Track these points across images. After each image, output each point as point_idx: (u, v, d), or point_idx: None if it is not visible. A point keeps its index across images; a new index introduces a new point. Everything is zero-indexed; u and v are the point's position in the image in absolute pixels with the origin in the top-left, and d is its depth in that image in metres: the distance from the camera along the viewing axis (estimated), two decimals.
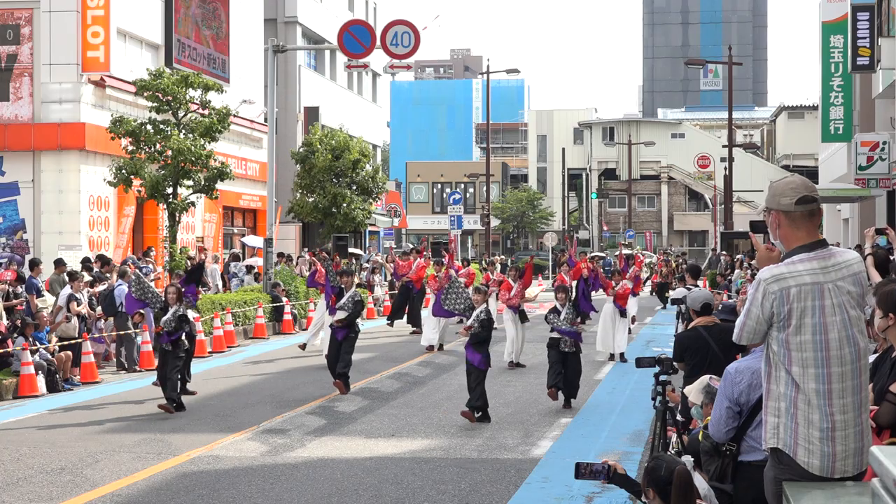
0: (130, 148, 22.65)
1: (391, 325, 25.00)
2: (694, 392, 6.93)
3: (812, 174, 42.01)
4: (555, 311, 14.29)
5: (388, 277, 30.42)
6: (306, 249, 34.14)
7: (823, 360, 4.40)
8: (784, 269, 4.46)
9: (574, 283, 24.55)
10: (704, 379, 6.86)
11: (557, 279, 25.19)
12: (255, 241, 32.61)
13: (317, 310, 21.06)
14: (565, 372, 13.90)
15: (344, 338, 15.26)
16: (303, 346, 20.37)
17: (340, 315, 15.41)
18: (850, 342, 4.45)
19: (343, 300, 15.48)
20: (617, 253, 43.71)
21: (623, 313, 19.18)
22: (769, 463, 4.56)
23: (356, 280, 17.18)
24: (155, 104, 23.04)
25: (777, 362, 4.48)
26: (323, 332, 19.36)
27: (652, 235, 72.43)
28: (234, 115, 26.56)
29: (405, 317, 24.85)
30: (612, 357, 18.95)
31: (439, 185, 79.32)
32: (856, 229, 31.54)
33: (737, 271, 28.87)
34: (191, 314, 15.76)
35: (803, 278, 4.43)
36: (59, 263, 19.86)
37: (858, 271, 4.55)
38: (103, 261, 21.23)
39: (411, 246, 41.77)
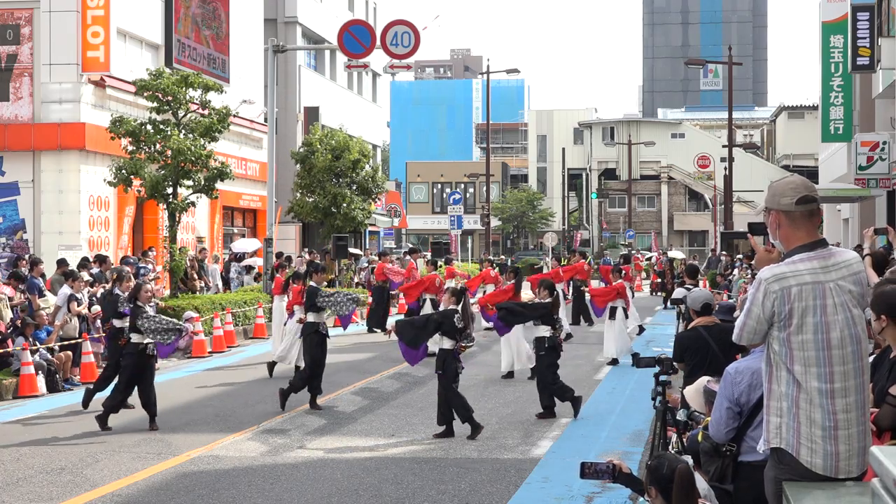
0: (130, 148, 22.63)
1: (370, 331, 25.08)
2: (693, 395, 6.92)
3: (812, 174, 42.02)
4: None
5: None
6: (306, 249, 34.14)
7: (825, 358, 4.40)
8: (785, 268, 4.47)
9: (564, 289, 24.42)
10: (703, 381, 6.84)
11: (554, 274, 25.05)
12: (245, 245, 32.47)
13: (274, 320, 19.68)
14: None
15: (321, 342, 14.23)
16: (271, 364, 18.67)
17: (317, 316, 14.40)
18: (852, 341, 4.45)
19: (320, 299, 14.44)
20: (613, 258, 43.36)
21: (612, 315, 18.70)
22: (769, 463, 4.56)
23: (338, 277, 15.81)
24: (155, 104, 23.03)
25: (778, 362, 4.47)
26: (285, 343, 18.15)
27: (655, 236, 72.40)
28: (234, 115, 26.54)
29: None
30: (614, 361, 18.63)
31: (439, 185, 79.35)
32: (856, 229, 31.53)
33: (736, 271, 28.88)
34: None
35: (804, 277, 4.43)
36: (62, 263, 19.87)
37: (858, 271, 4.56)
38: (102, 261, 21.22)
39: (410, 246, 41.75)
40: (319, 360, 14.13)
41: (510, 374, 16.95)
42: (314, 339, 14.19)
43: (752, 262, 24.76)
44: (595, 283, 29.04)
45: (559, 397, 13.24)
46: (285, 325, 17.04)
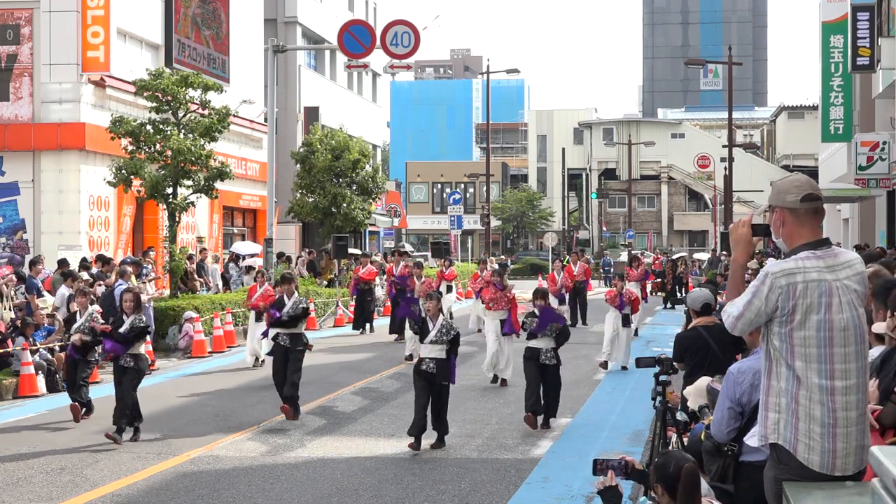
0: (130, 148, 22.62)
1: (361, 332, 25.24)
2: (693, 396, 6.92)
3: (812, 174, 41.86)
4: (532, 315, 12.89)
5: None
6: (306, 249, 34.13)
7: (828, 355, 4.40)
8: (793, 264, 4.47)
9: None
10: (704, 381, 6.84)
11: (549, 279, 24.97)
12: (244, 247, 32.45)
13: (251, 321, 19.49)
14: (544, 388, 12.63)
15: (291, 353, 13.42)
16: (261, 362, 18.68)
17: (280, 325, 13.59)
18: (856, 339, 4.45)
19: (286, 308, 13.63)
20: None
21: (627, 322, 18.11)
22: (769, 463, 4.56)
23: (296, 286, 14.69)
24: (155, 104, 23.02)
25: (778, 357, 4.47)
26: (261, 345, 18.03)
27: (651, 235, 72.43)
28: (234, 115, 26.52)
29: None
30: (605, 365, 18.05)
31: (439, 185, 79.35)
32: (856, 229, 31.56)
33: None
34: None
35: (811, 275, 4.44)
36: (63, 263, 19.86)
37: (861, 270, 4.58)
38: (103, 261, 21.23)
39: (410, 246, 41.80)
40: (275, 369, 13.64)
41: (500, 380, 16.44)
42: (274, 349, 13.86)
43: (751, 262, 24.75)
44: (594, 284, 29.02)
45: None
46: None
